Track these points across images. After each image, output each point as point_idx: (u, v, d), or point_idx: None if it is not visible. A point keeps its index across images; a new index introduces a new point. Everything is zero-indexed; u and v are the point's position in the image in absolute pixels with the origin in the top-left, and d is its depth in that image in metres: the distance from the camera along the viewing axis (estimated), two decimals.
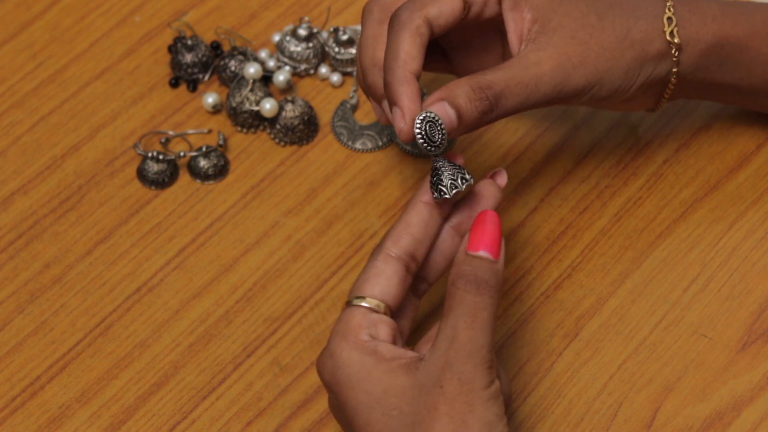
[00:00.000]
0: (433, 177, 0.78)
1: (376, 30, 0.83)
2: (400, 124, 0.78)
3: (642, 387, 0.84)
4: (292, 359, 0.86)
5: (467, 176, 0.78)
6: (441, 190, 0.77)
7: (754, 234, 0.90)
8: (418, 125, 0.77)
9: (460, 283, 0.74)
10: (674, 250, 0.89)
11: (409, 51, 0.79)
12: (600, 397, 0.84)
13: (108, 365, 0.86)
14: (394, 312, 0.77)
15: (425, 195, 0.78)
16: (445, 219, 0.79)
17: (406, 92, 0.78)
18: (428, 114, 0.77)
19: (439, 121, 0.77)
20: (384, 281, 0.76)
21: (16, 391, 0.85)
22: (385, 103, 0.82)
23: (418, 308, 0.81)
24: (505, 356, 0.85)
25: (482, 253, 0.74)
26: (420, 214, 0.78)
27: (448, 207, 0.79)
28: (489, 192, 0.80)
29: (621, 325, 0.87)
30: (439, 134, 0.77)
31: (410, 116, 0.77)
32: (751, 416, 0.83)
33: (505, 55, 0.87)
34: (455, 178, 0.77)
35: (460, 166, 0.78)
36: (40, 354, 0.86)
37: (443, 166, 0.78)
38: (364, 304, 0.76)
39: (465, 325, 0.73)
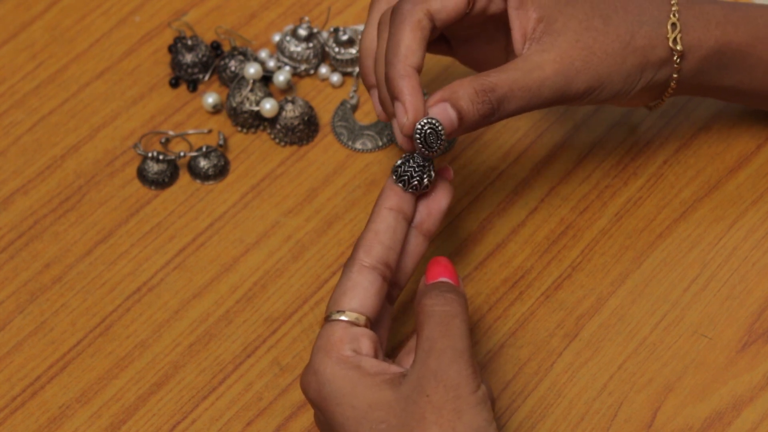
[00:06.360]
0: (401, 163, 0.78)
1: (380, 19, 0.83)
2: (402, 118, 0.77)
3: (642, 387, 0.84)
4: (292, 359, 0.86)
5: (431, 176, 0.78)
6: (403, 180, 0.78)
7: (754, 234, 0.90)
8: (419, 129, 0.77)
9: (425, 300, 0.74)
10: (674, 250, 0.89)
11: (410, 45, 0.79)
12: (600, 397, 0.84)
13: (108, 365, 0.86)
14: (373, 323, 0.77)
15: (388, 201, 0.78)
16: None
17: (406, 86, 0.78)
18: (431, 120, 0.77)
19: (440, 129, 0.77)
20: (361, 293, 0.75)
21: (16, 391, 0.85)
22: (375, 93, 0.82)
23: (392, 315, 0.80)
24: (505, 356, 0.85)
25: (441, 278, 0.75)
26: (386, 221, 0.77)
27: (413, 209, 0.79)
28: (443, 188, 0.80)
29: (621, 325, 0.87)
30: (436, 142, 0.77)
31: (412, 109, 0.77)
32: (751, 416, 0.83)
33: (508, 48, 0.87)
34: (422, 173, 0.78)
35: (430, 164, 0.78)
36: (40, 354, 0.86)
37: (416, 161, 0.78)
38: (343, 318, 0.75)
39: (440, 334, 0.72)
